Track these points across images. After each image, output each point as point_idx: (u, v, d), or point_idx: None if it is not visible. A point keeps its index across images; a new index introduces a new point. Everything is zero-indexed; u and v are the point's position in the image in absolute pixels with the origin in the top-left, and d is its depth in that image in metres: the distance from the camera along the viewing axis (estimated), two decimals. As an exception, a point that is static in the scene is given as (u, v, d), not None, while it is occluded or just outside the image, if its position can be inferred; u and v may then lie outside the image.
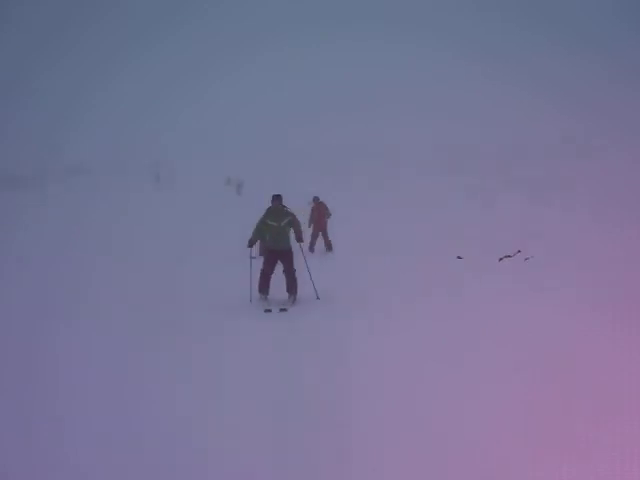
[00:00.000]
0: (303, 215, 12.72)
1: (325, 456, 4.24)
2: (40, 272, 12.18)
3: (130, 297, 9.51)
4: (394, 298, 8.91)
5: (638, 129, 39.52)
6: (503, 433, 4.38)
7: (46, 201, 34.54)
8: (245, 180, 36.18)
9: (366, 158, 50.68)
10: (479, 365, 5.75)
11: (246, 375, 5.84)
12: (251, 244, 9.10)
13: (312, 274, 9.16)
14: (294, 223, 9.08)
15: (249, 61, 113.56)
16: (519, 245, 12.57)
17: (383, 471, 4.01)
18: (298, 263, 9.18)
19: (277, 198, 9.14)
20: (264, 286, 9.02)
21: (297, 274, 9.11)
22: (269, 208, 9.07)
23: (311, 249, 14.67)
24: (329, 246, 14.84)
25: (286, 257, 8.98)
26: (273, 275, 9.12)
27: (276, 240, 8.96)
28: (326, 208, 15.19)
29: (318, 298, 8.98)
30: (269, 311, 8.42)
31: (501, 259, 11.40)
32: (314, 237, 14.92)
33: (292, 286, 9.05)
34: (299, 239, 9.14)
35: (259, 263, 9.42)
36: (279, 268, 9.12)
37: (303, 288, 9.16)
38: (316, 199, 15.48)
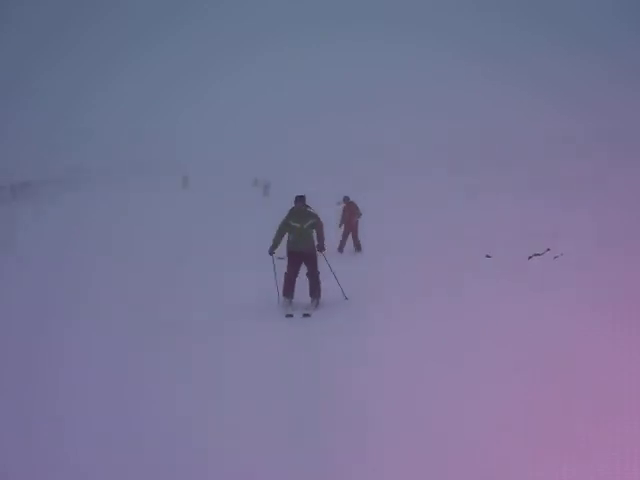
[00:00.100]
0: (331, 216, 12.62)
1: (325, 456, 4.24)
2: (40, 272, 12.18)
3: (130, 297, 9.51)
4: (394, 298, 8.91)
5: (638, 129, 39.54)
6: (503, 433, 4.38)
7: (46, 201, 34.55)
8: (272, 181, 36.29)
9: (366, 158, 50.68)
10: (479, 365, 5.75)
11: (246, 375, 5.84)
12: (272, 251, 8.76)
13: (336, 275, 8.92)
14: (317, 225, 8.77)
15: (249, 61, 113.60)
16: (517, 245, 12.58)
17: (383, 471, 4.01)
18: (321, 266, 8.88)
19: (300, 199, 8.83)
20: (289, 290, 8.71)
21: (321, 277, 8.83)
22: (292, 209, 8.80)
23: (340, 249, 14.51)
24: (358, 247, 14.68)
25: (310, 259, 8.72)
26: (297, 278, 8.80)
27: (299, 242, 8.65)
28: (356, 208, 14.96)
29: (347, 298, 8.84)
30: (290, 316, 8.19)
31: (530, 257, 11.33)
32: (345, 237, 14.70)
33: (315, 290, 8.77)
34: (320, 244, 8.80)
35: (282, 265, 9.08)
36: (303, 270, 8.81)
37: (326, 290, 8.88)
38: (346, 199, 15.29)
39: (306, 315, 8.16)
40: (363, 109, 77.24)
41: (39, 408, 5.15)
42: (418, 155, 48.83)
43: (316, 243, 8.79)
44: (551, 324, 6.94)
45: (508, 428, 4.45)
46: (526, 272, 10.26)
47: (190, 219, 22.23)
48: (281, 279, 8.82)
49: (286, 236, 8.74)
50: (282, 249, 8.85)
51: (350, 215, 14.76)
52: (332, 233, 13.58)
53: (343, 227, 14.76)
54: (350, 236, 14.77)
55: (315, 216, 8.75)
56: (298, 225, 8.61)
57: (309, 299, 8.75)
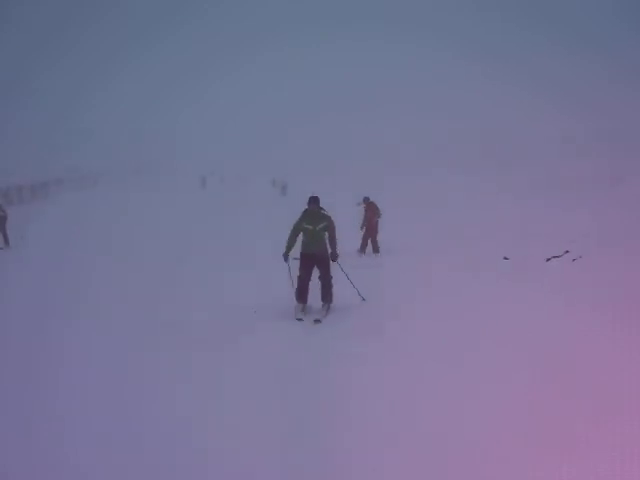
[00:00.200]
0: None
1: (325, 456, 4.24)
2: (40, 272, 12.18)
3: (130, 297, 9.52)
4: (394, 298, 8.91)
5: (638, 129, 39.52)
6: (503, 433, 4.38)
7: (46, 201, 34.56)
8: (289, 182, 36.41)
9: (366, 158, 50.68)
10: (479, 365, 5.75)
11: (246, 375, 5.84)
12: (287, 255, 8.49)
13: (350, 277, 8.78)
14: (329, 228, 8.48)
15: (249, 61, 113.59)
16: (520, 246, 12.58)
17: (383, 471, 4.01)
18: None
19: (314, 200, 8.51)
20: (302, 294, 8.45)
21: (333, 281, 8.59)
22: (305, 210, 8.54)
23: (363, 250, 14.49)
24: (376, 249, 14.64)
25: (322, 262, 8.47)
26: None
27: (311, 244, 8.43)
28: (377, 208, 14.88)
29: (364, 299, 8.72)
30: (301, 320, 8.03)
31: (549, 259, 11.28)
32: (366, 239, 14.65)
33: (327, 294, 8.52)
34: (333, 252, 8.48)
35: (296, 266, 8.72)
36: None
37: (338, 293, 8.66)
38: (366, 199, 15.25)
39: (317, 321, 7.94)
40: (363, 109, 77.19)
41: (39, 408, 5.15)
42: (418, 155, 48.83)
43: (329, 250, 8.49)
44: (551, 324, 6.94)
45: (508, 428, 4.44)
46: (526, 273, 10.27)
47: (213, 217, 22.38)
48: (295, 281, 8.55)
49: (300, 238, 8.56)
50: (296, 249, 8.68)
51: (372, 216, 14.68)
52: (346, 234, 13.59)
53: (365, 229, 14.69)
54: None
55: (328, 218, 8.50)
56: (310, 227, 8.40)
57: (320, 303, 8.49)
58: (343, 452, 4.27)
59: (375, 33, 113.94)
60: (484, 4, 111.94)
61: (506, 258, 11.91)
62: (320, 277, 8.55)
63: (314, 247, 8.43)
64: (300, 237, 8.54)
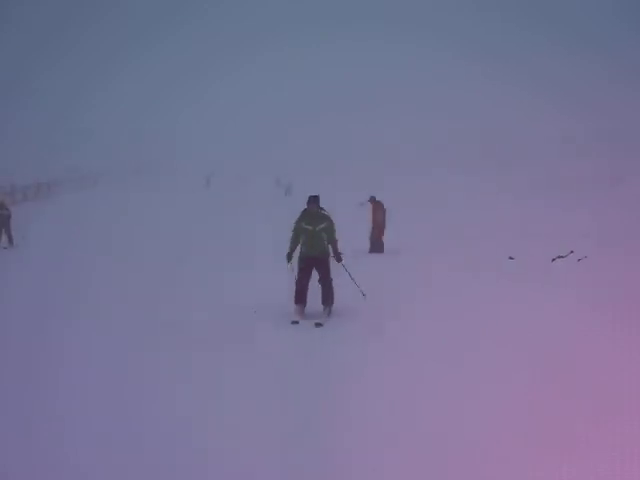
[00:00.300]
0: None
1: (325, 456, 4.24)
2: (40, 272, 12.19)
3: (130, 297, 9.52)
4: (394, 298, 8.91)
5: (638, 129, 39.52)
6: (503, 433, 4.38)
7: (46, 201, 34.57)
8: (294, 182, 36.47)
9: (366, 158, 50.69)
10: (479, 365, 5.76)
11: (246, 375, 5.84)
12: (290, 258, 8.22)
13: (351, 274, 8.46)
14: (330, 229, 8.18)
15: (249, 61, 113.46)
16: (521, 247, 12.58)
17: (383, 471, 4.01)
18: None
19: (314, 200, 8.20)
20: (300, 297, 8.14)
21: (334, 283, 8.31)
22: (305, 210, 8.24)
23: (374, 250, 14.51)
24: (381, 248, 14.68)
25: (322, 264, 8.17)
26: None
27: (311, 245, 8.12)
28: (383, 206, 14.89)
29: (364, 295, 8.43)
30: (296, 323, 7.77)
31: (554, 260, 11.27)
32: (375, 237, 14.69)
33: (328, 297, 8.22)
34: (336, 254, 8.25)
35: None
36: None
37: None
38: (372, 199, 15.29)
39: (318, 325, 7.65)
40: (363, 109, 77.16)
41: (39, 408, 5.15)
42: (418, 155, 48.83)
43: (330, 252, 8.26)
44: (551, 324, 6.95)
45: (508, 428, 4.45)
46: (528, 273, 10.27)
47: (214, 217, 22.40)
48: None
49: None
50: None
51: (381, 214, 14.73)
52: (347, 235, 13.54)
53: (373, 228, 14.72)
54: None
55: (328, 218, 8.20)
56: (310, 228, 8.10)
57: (321, 307, 8.20)
58: (343, 452, 4.26)
59: (375, 33, 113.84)
60: (484, 4, 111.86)
61: (511, 258, 11.90)
62: (320, 280, 8.25)
63: (314, 248, 8.13)
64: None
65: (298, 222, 8.25)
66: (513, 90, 70.49)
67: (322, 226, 8.11)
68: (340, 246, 8.37)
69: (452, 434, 4.40)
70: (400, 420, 4.70)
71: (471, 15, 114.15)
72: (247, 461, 4.18)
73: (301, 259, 8.22)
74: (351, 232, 15.03)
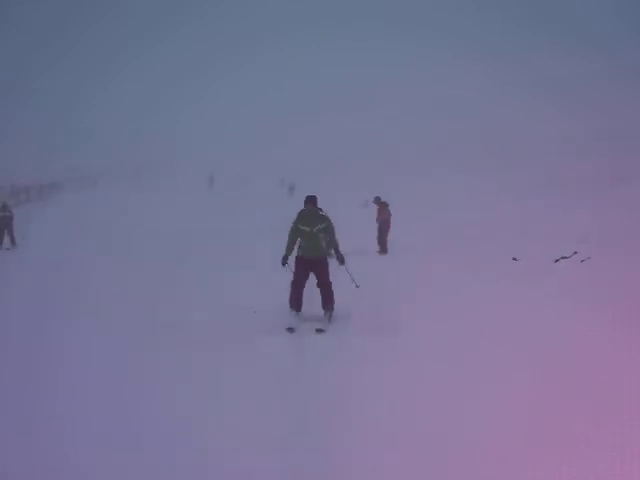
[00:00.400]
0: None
1: (325, 456, 4.24)
2: (40, 272, 12.19)
3: (130, 297, 9.52)
4: (394, 298, 8.91)
5: (638, 129, 39.55)
6: (503, 433, 4.38)
7: (46, 201, 34.58)
8: (297, 182, 36.50)
9: (366, 158, 50.71)
10: (479, 365, 5.75)
11: (246, 375, 5.84)
12: (285, 261, 7.90)
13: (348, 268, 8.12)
14: (329, 230, 7.87)
15: (249, 61, 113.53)
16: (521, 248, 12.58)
17: (383, 471, 4.01)
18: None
19: (310, 200, 7.85)
20: (295, 300, 7.84)
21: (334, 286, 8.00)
22: (301, 211, 7.91)
23: (384, 250, 14.56)
24: (385, 248, 14.72)
25: (320, 267, 7.83)
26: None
27: (309, 247, 7.79)
28: (388, 207, 14.97)
29: (357, 286, 8.12)
30: (292, 330, 7.37)
31: (557, 260, 11.27)
32: (382, 238, 14.74)
33: (328, 301, 7.89)
34: (338, 255, 7.95)
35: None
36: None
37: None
38: (377, 199, 15.29)
39: (320, 330, 7.36)
40: (363, 109, 77.21)
41: (39, 408, 5.15)
42: (418, 155, 48.86)
43: (329, 253, 7.98)
44: (551, 324, 6.95)
45: (508, 428, 4.44)
46: (529, 273, 10.26)
47: (214, 218, 22.42)
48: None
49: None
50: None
51: (388, 215, 14.77)
52: (348, 235, 13.50)
53: (380, 228, 14.77)
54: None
55: (327, 219, 7.87)
56: (307, 229, 7.77)
57: (321, 311, 7.90)
58: (343, 452, 4.26)
59: (375, 33, 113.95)
60: (484, 4, 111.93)
61: (515, 259, 11.89)
62: (319, 284, 7.91)
63: (311, 251, 7.81)
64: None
65: (295, 223, 7.93)
66: (513, 90, 70.53)
67: (320, 227, 7.79)
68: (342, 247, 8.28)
69: (452, 434, 4.40)
70: (400, 420, 4.70)
71: (471, 15, 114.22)
72: (247, 461, 4.18)
73: (298, 261, 7.90)
74: (355, 233, 15.11)
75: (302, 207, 7.92)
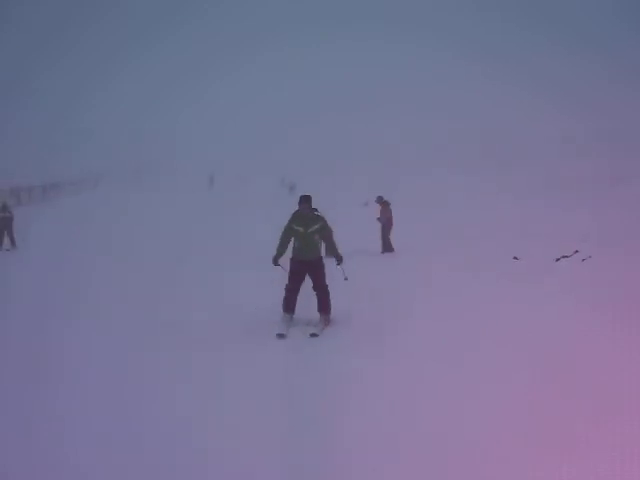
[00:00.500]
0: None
1: (325, 456, 4.24)
2: (40, 272, 12.19)
3: (130, 297, 9.52)
4: (393, 298, 8.91)
5: (638, 129, 39.55)
6: (503, 433, 4.38)
7: (46, 202, 34.59)
8: (298, 182, 36.54)
9: (366, 158, 50.70)
10: (479, 365, 5.75)
11: (246, 375, 5.84)
12: (277, 260, 7.68)
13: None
14: (325, 231, 7.68)
15: (249, 61, 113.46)
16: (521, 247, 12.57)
17: (383, 471, 4.01)
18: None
19: (305, 200, 7.60)
20: (290, 304, 7.60)
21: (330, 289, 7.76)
22: (296, 211, 7.67)
23: (390, 249, 14.58)
24: (389, 247, 14.72)
25: (315, 269, 7.59)
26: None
27: (303, 249, 7.55)
28: (389, 206, 14.99)
29: (346, 279, 7.74)
30: (282, 336, 7.11)
31: (558, 259, 11.28)
32: (385, 237, 14.75)
33: (324, 304, 7.66)
34: (336, 255, 7.80)
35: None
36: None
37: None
38: (380, 198, 15.30)
39: (313, 335, 7.14)
40: (363, 109, 77.19)
41: (39, 408, 5.15)
42: (418, 155, 48.85)
43: (323, 253, 7.84)
44: (551, 324, 6.95)
45: (508, 428, 4.44)
46: (528, 273, 10.26)
47: (214, 217, 22.42)
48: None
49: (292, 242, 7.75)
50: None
51: (390, 214, 14.79)
52: (349, 235, 13.48)
53: (383, 228, 14.78)
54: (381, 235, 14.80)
55: (322, 219, 7.65)
56: (301, 230, 7.54)
57: (311, 314, 7.72)
58: (343, 452, 4.26)
59: (375, 33, 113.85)
60: (484, 4, 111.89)
61: (516, 258, 11.91)
62: (314, 287, 7.67)
63: (306, 253, 7.57)
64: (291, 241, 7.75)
65: (289, 223, 7.69)
66: (513, 90, 70.52)
67: (315, 228, 7.57)
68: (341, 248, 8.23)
69: (452, 434, 4.40)
70: (400, 420, 4.70)
71: (471, 15, 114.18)
72: (247, 461, 4.18)
73: (293, 263, 7.68)
74: (355, 233, 15.11)
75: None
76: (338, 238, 8.04)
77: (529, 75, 75.74)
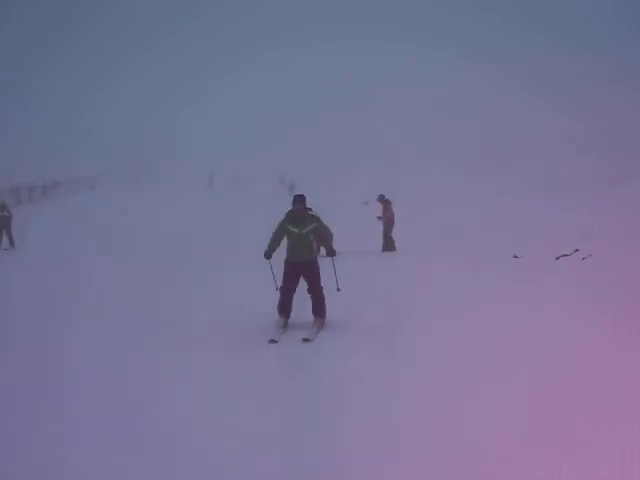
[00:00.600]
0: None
1: (325, 456, 4.24)
2: (40, 272, 12.19)
3: (130, 297, 9.52)
4: (394, 298, 8.91)
5: (638, 129, 39.59)
6: (503, 433, 4.38)
7: (46, 202, 34.59)
8: (297, 181, 36.57)
9: (366, 158, 50.72)
10: (479, 365, 5.75)
11: (246, 375, 5.84)
12: (268, 255, 7.46)
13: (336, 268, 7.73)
14: (320, 230, 7.55)
15: (249, 61, 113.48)
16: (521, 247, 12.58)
17: (383, 471, 4.01)
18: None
19: (299, 200, 7.40)
20: (285, 308, 7.44)
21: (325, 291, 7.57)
22: (290, 211, 7.44)
23: (392, 247, 14.60)
24: (391, 245, 14.74)
25: (310, 271, 7.40)
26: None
27: (298, 250, 7.35)
28: (391, 205, 15.02)
29: (339, 290, 7.60)
30: (274, 342, 6.86)
31: (558, 258, 11.30)
32: (390, 235, 14.77)
33: (319, 308, 7.47)
34: (330, 249, 7.69)
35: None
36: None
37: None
38: (381, 197, 15.30)
39: (306, 340, 6.91)
40: (363, 109, 77.23)
41: (39, 408, 5.15)
42: (418, 155, 48.87)
43: (318, 252, 7.71)
44: (551, 324, 6.95)
45: (508, 428, 4.44)
46: (527, 273, 10.26)
47: (214, 217, 22.41)
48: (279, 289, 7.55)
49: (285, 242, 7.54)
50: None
51: (392, 213, 14.82)
52: (350, 234, 13.52)
53: (385, 227, 14.80)
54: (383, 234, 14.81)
55: (317, 219, 7.46)
56: (296, 230, 7.33)
57: (304, 317, 7.51)
58: (343, 452, 4.26)
59: (375, 33, 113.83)
60: (484, 4, 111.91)
61: (516, 257, 11.95)
62: (309, 289, 7.49)
63: (301, 254, 7.36)
64: (285, 242, 7.53)
65: (283, 223, 7.47)
66: (513, 90, 70.57)
67: (310, 228, 7.37)
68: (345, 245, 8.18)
69: (452, 434, 4.40)
70: (400, 420, 4.69)
71: (471, 15, 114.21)
72: (247, 461, 4.18)
73: (287, 264, 7.47)
74: (354, 232, 15.12)
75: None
76: (337, 238, 8.04)
77: (529, 75, 75.80)
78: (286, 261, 7.51)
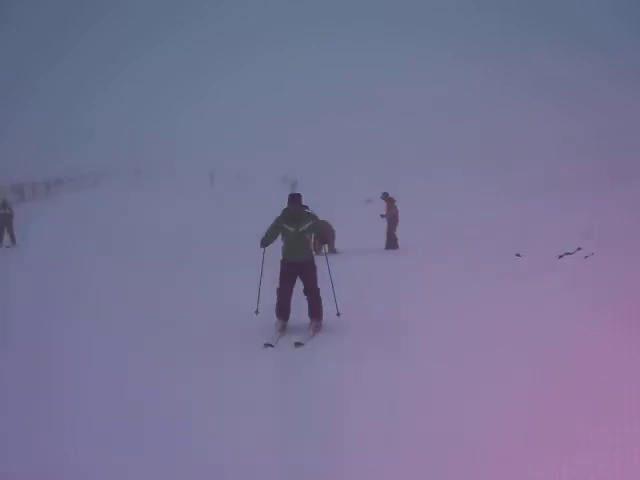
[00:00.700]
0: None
1: (325, 456, 4.24)
2: (40, 272, 12.19)
3: (130, 297, 9.52)
4: (394, 298, 8.90)
5: (638, 129, 39.59)
6: (503, 433, 4.38)
7: (46, 201, 34.60)
8: (299, 179, 36.61)
9: (366, 158, 50.71)
10: (479, 365, 5.75)
11: (246, 375, 5.84)
12: (265, 243, 7.27)
13: (335, 287, 7.48)
14: (318, 228, 7.45)
15: (249, 61, 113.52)
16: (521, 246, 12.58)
17: (383, 471, 4.01)
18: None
19: (295, 198, 7.27)
20: (283, 310, 7.30)
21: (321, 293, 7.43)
22: (285, 209, 7.27)
23: (395, 246, 14.63)
24: (394, 244, 14.76)
25: (306, 272, 7.25)
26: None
27: (294, 249, 7.20)
28: (394, 202, 15.02)
29: (339, 314, 7.44)
30: (270, 346, 6.68)
31: (561, 256, 11.31)
32: (391, 234, 14.78)
33: (316, 310, 7.33)
34: (330, 250, 7.71)
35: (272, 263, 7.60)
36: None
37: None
38: (385, 195, 15.29)
39: (298, 344, 6.70)
40: (363, 109, 77.26)
41: (39, 408, 5.15)
42: (418, 155, 48.86)
43: (319, 250, 7.62)
44: (551, 324, 6.95)
45: (508, 428, 4.44)
46: (527, 273, 10.26)
47: (214, 217, 22.42)
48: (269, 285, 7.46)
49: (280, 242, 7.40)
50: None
51: (396, 211, 14.82)
52: (350, 234, 13.50)
53: (389, 225, 14.80)
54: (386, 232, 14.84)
55: (314, 217, 7.34)
56: (292, 229, 7.17)
57: (300, 319, 7.39)
58: (343, 452, 4.26)
59: (375, 33, 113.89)
60: (484, 4, 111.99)
61: (518, 255, 11.97)
62: (305, 290, 7.33)
63: (297, 253, 7.21)
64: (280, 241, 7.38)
65: (278, 221, 7.29)
66: (513, 90, 70.60)
67: (306, 227, 7.22)
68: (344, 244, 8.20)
69: (452, 434, 4.40)
70: (400, 420, 4.70)
71: (471, 15, 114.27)
72: (247, 461, 4.18)
73: (283, 264, 7.33)
74: (354, 232, 15.10)
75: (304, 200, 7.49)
76: (338, 236, 8.02)
77: (529, 75, 75.82)
78: (282, 261, 7.35)
